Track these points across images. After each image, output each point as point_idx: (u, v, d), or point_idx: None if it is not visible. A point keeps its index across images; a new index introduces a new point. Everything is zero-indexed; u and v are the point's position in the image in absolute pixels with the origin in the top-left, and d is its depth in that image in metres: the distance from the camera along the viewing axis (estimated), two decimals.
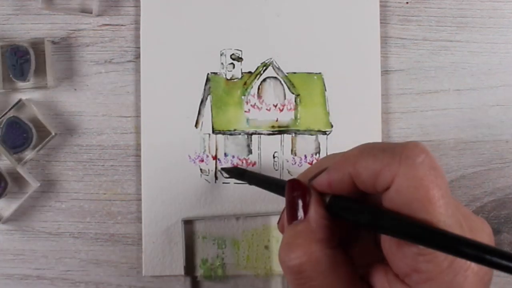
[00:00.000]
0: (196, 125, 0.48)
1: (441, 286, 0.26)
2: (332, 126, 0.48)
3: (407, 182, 0.26)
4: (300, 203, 0.30)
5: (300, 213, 0.30)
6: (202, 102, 0.48)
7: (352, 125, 0.48)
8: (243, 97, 0.48)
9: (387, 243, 0.28)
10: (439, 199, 0.26)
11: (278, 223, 0.34)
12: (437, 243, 0.25)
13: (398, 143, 0.28)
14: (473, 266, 0.26)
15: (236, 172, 0.44)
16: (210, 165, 0.48)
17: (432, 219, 0.26)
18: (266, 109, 0.48)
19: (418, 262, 0.26)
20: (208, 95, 0.48)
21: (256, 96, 0.48)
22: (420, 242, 0.26)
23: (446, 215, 0.26)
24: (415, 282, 0.27)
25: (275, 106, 0.48)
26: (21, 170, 0.47)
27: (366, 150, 0.29)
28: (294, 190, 0.31)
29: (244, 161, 0.48)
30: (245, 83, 0.48)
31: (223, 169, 0.47)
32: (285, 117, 0.48)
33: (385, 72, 0.49)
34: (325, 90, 0.48)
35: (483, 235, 0.28)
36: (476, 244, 0.24)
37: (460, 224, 0.27)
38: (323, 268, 0.29)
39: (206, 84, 0.48)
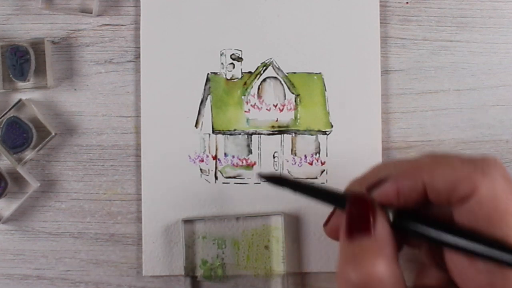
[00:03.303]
0: (196, 125, 0.48)
1: None
2: (332, 126, 0.48)
3: (490, 194, 0.27)
4: (365, 219, 0.29)
5: (364, 229, 0.29)
6: (202, 102, 0.48)
7: (352, 125, 0.48)
8: (243, 97, 0.48)
9: (456, 258, 0.28)
10: None
11: (324, 225, 0.33)
12: None
13: (474, 155, 0.29)
14: None
15: (277, 180, 0.38)
16: (210, 165, 0.48)
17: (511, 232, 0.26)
18: (266, 109, 0.48)
19: (494, 278, 0.26)
20: (208, 95, 0.48)
21: (256, 96, 0.48)
22: (497, 262, 0.26)
23: None
24: None
25: (275, 106, 0.48)
26: (21, 170, 0.47)
27: (442, 160, 0.29)
28: (358, 205, 0.30)
29: (244, 161, 0.48)
30: (245, 83, 0.48)
31: (261, 175, 0.40)
32: (285, 117, 0.48)
33: (385, 72, 0.49)
34: (325, 90, 0.48)
35: None
36: None
37: None
38: (387, 286, 0.28)
39: (206, 84, 0.48)
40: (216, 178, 0.48)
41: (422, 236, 0.29)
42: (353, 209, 0.30)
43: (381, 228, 0.29)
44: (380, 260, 0.28)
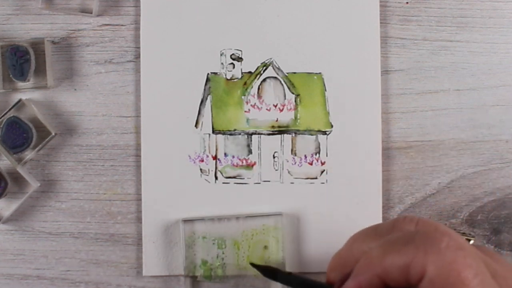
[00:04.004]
0: (196, 125, 0.48)
1: None
2: (332, 126, 0.48)
3: (437, 270, 0.26)
4: None
5: None
6: (202, 102, 0.48)
7: (352, 125, 0.48)
8: (243, 97, 0.48)
9: None
10: (472, 279, 0.26)
11: None
12: None
13: (417, 231, 0.28)
14: None
15: (268, 271, 0.39)
16: (210, 165, 0.48)
17: None
18: (266, 109, 0.48)
19: None
20: (208, 95, 0.48)
21: (256, 96, 0.48)
22: None
23: None
24: None
25: (275, 106, 0.48)
26: (21, 170, 0.47)
27: (389, 248, 0.28)
28: None
29: (244, 161, 0.48)
30: (245, 83, 0.48)
31: (252, 264, 0.40)
32: (285, 117, 0.48)
33: (385, 72, 0.49)
34: (325, 90, 0.48)
35: None
36: None
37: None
38: None
39: (206, 84, 0.48)
40: (216, 178, 0.48)
41: None
42: None
43: None
44: None
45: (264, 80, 0.48)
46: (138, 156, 0.48)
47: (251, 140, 0.48)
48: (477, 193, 0.49)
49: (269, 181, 0.48)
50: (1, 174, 0.47)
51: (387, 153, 0.48)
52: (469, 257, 0.27)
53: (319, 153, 0.48)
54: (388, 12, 0.49)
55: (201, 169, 0.48)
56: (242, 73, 0.48)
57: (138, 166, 0.48)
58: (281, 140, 0.48)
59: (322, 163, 0.48)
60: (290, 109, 0.48)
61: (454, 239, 0.27)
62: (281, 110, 0.48)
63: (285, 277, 0.37)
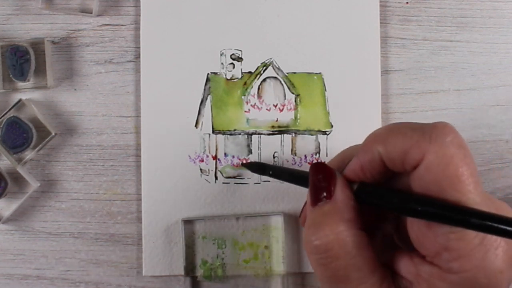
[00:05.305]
0: (196, 125, 0.48)
1: (472, 263, 0.27)
2: (332, 126, 0.48)
3: (437, 160, 0.27)
4: (325, 185, 0.30)
5: (325, 195, 0.30)
6: (202, 102, 0.48)
7: (352, 125, 0.48)
8: (243, 97, 0.48)
9: (416, 225, 0.29)
10: (468, 177, 0.27)
11: (299, 217, 0.34)
12: (468, 222, 0.26)
13: (426, 123, 0.29)
14: (503, 244, 0.27)
15: (257, 167, 0.45)
16: (210, 165, 0.48)
17: (461, 197, 0.27)
18: (266, 109, 0.48)
19: (449, 240, 0.27)
20: (208, 95, 0.48)
21: (256, 96, 0.48)
22: (450, 222, 0.26)
23: (475, 193, 0.27)
24: (446, 260, 0.27)
25: (275, 106, 0.48)
26: (21, 170, 0.47)
27: (395, 129, 0.29)
28: (319, 173, 0.31)
29: (244, 161, 0.48)
30: (245, 83, 0.48)
31: (243, 164, 0.47)
32: (285, 117, 0.48)
33: (385, 72, 0.49)
34: (325, 90, 0.48)
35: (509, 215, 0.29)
36: (508, 220, 0.25)
37: (487, 202, 0.27)
38: (349, 248, 0.29)
39: (206, 84, 0.48)
40: (216, 178, 0.48)
41: (383, 204, 0.29)
42: (314, 177, 0.31)
43: (340, 192, 0.30)
44: (341, 223, 0.29)
45: (264, 80, 0.48)
46: (138, 156, 0.48)
47: (251, 140, 0.48)
48: None
49: (269, 181, 0.48)
50: (1, 174, 0.47)
51: None
52: (469, 158, 0.28)
53: (319, 153, 0.48)
54: (388, 12, 0.49)
55: (201, 169, 0.48)
56: (242, 73, 0.48)
57: (138, 166, 0.48)
58: (281, 140, 0.48)
59: None
60: (290, 109, 0.48)
61: (458, 137, 0.28)
62: (281, 110, 0.48)
63: (275, 169, 0.40)
